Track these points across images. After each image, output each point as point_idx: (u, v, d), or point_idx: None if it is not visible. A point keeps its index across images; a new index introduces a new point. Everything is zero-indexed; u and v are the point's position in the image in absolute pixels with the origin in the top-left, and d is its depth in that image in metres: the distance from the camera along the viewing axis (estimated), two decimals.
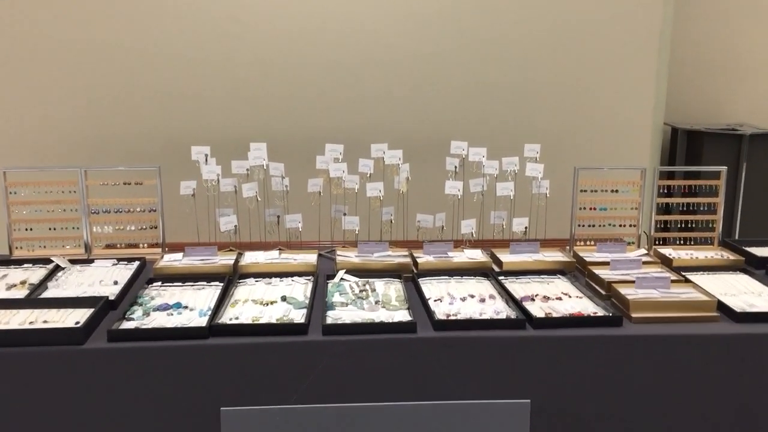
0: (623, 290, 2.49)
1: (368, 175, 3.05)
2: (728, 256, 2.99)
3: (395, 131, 4.16)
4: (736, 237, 4.85)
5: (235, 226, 2.98)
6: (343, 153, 3.08)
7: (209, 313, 2.34)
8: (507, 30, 4.26)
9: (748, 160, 4.99)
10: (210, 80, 4.14)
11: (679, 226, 3.15)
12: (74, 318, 2.31)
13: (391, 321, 2.31)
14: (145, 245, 3.07)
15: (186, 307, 2.43)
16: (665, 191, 3.13)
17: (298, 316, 2.35)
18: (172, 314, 2.37)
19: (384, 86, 4.20)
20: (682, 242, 3.16)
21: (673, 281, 2.57)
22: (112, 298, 2.47)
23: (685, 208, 3.16)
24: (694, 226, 3.13)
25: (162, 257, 2.87)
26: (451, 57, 4.25)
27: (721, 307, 2.43)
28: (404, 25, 4.18)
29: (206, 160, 2.99)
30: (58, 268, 2.80)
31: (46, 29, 4.04)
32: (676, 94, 5.18)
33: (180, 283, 2.65)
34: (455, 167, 3.10)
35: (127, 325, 2.27)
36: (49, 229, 2.98)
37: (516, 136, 4.00)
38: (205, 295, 2.53)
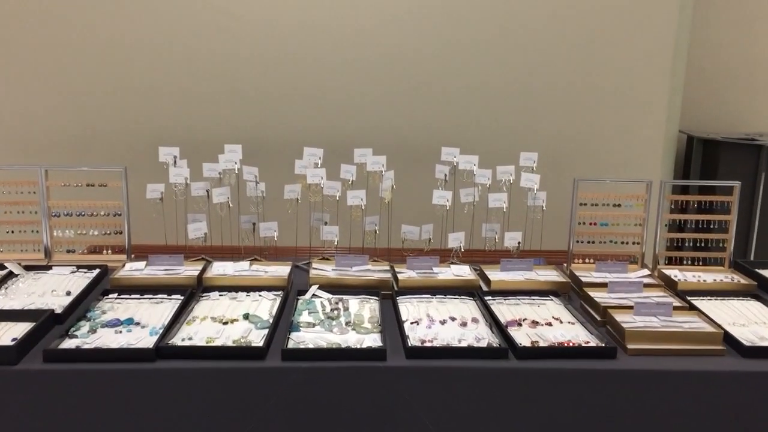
0: (620, 317, 2.26)
1: (350, 182, 2.83)
2: (739, 279, 2.74)
3: (381, 135, 3.92)
4: (752, 257, 4.58)
5: (205, 233, 2.77)
6: (323, 158, 2.86)
7: (162, 331, 2.13)
8: (507, 29, 4.01)
9: (767, 172, 4.72)
10: (184, 77, 3.90)
11: (688, 244, 2.90)
12: (13, 334, 2.11)
13: (359, 347, 2.09)
14: (109, 251, 2.87)
15: (138, 324, 2.22)
16: (681, 206, 2.90)
17: (258, 338, 2.13)
18: (120, 332, 2.16)
19: (370, 87, 3.96)
20: (690, 262, 2.91)
21: (676, 308, 2.33)
22: (59, 311, 2.27)
23: (695, 226, 2.90)
24: (703, 245, 2.88)
25: (124, 265, 2.67)
26: (444, 62, 3.99)
27: (728, 339, 2.19)
28: (392, 21, 3.93)
29: (175, 162, 2.79)
30: (11, 274, 2.60)
31: (23, 23, 3.85)
32: (692, 101, 4.91)
33: (138, 296, 2.44)
34: (445, 175, 2.87)
35: (68, 343, 2.07)
36: (7, 232, 2.79)
37: (515, 144, 3.76)
38: (162, 311, 2.33)
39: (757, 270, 2.80)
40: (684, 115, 4.60)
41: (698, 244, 2.88)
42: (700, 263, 2.91)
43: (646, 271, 2.76)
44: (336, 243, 2.80)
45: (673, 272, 2.76)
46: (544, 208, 2.84)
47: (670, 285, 2.64)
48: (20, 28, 3.82)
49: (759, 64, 5.19)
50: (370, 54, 3.92)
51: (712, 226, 2.87)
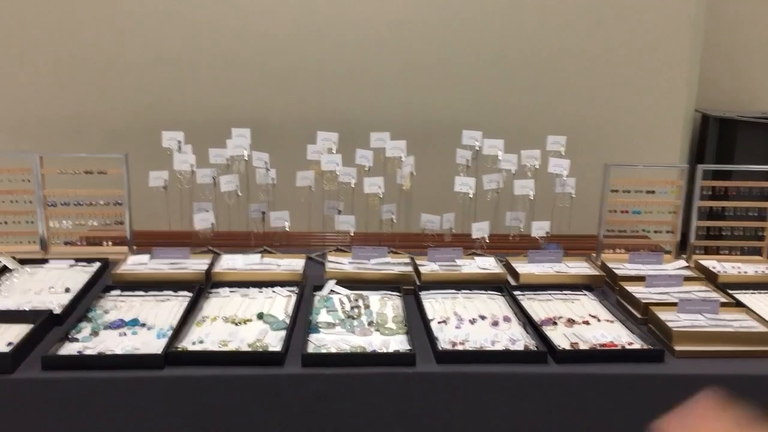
0: (663, 315, 2.10)
1: (366, 169, 2.65)
2: None
3: (398, 118, 3.72)
4: None
5: (212, 224, 2.60)
6: (338, 142, 2.68)
7: (170, 333, 1.96)
8: (528, 9, 3.82)
9: None
10: (185, 56, 3.69)
11: (725, 233, 2.73)
12: (8, 337, 1.94)
13: (385, 351, 1.92)
14: (110, 243, 2.69)
15: (144, 325, 2.05)
16: (708, 193, 2.73)
17: (275, 341, 1.96)
18: (125, 334, 1.99)
19: (387, 67, 3.76)
20: (727, 252, 2.74)
21: (722, 304, 2.17)
22: (58, 310, 2.10)
23: (732, 213, 2.74)
24: (740, 233, 2.71)
25: (126, 259, 2.49)
26: (464, 36, 3.80)
27: None
28: None
29: (180, 147, 2.60)
30: (5, 269, 2.42)
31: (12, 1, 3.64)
32: (707, 79, 4.73)
33: (142, 293, 2.27)
34: (467, 161, 2.69)
35: (68, 348, 1.90)
36: (0, 222, 2.60)
37: (534, 126, 3.58)
38: (169, 309, 2.15)
39: None
40: (699, 92, 4.42)
41: (734, 233, 2.72)
42: (738, 253, 2.75)
43: (682, 263, 2.60)
44: (352, 233, 2.63)
45: (711, 263, 2.60)
46: (573, 195, 2.67)
47: (709, 278, 2.48)
48: (10, 5, 3.60)
49: None
50: (384, 31, 3.72)
51: (751, 214, 2.71)
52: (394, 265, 2.49)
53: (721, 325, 2.05)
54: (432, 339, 1.98)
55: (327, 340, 1.98)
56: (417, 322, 2.13)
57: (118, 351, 1.88)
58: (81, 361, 1.83)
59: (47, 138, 3.69)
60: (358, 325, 2.06)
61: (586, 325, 2.13)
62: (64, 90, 3.72)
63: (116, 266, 2.43)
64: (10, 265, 2.44)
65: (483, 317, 2.15)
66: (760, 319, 2.10)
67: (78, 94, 3.72)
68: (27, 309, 2.12)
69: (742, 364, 1.93)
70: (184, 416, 1.82)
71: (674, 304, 2.15)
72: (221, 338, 1.96)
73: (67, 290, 2.29)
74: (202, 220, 2.58)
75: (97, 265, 2.50)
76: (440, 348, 1.92)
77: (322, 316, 2.13)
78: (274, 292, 2.31)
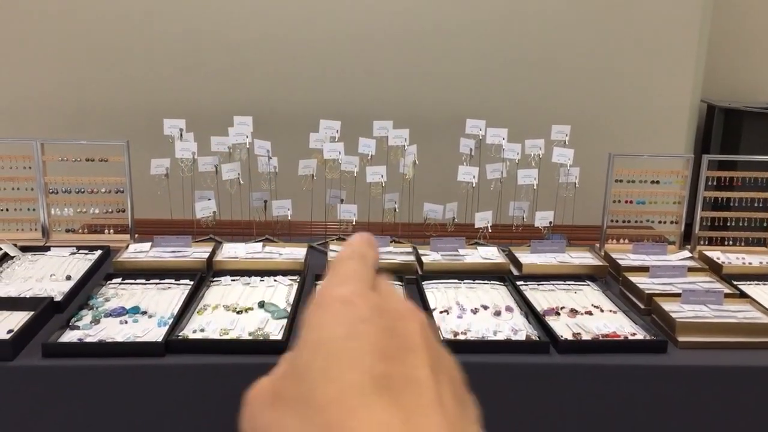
0: (666, 305, 2.08)
1: (369, 158, 2.63)
2: None
3: (402, 107, 3.71)
4: None
5: (214, 212, 2.59)
6: (340, 131, 2.66)
7: (171, 321, 1.96)
8: None
9: None
10: (187, 44, 3.68)
11: (730, 224, 2.72)
12: (9, 324, 1.93)
13: None
14: (111, 230, 2.68)
15: (145, 313, 2.04)
16: (713, 183, 2.71)
17: (276, 329, 1.96)
18: (126, 322, 1.98)
19: (390, 55, 3.74)
20: (731, 243, 2.73)
21: (726, 295, 2.15)
22: (59, 298, 2.09)
23: (737, 204, 2.72)
24: (745, 224, 2.70)
25: (128, 247, 2.48)
26: (468, 23, 3.77)
27: None
28: None
29: (181, 135, 2.59)
30: (6, 256, 2.42)
31: None
32: (713, 69, 4.69)
33: (143, 281, 2.26)
34: (470, 150, 2.68)
35: (69, 335, 1.89)
36: (1, 210, 2.60)
37: (538, 115, 3.56)
38: (170, 297, 2.15)
39: None
40: (704, 82, 4.38)
41: (739, 223, 2.70)
42: (742, 243, 2.73)
43: (686, 253, 2.58)
44: (354, 222, 2.62)
45: (716, 254, 2.58)
46: (577, 185, 2.65)
47: (714, 269, 2.46)
48: None
49: None
50: (387, 20, 3.70)
51: (756, 204, 2.69)
52: (397, 254, 2.48)
53: (725, 316, 2.04)
54: (434, 328, 1.97)
55: None
56: None
57: (119, 339, 1.88)
58: (81, 349, 1.82)
59: (48, 125, 3.68)
60: None
61: (589, 315, 2.12)
62: (66, 77, 3.71)
63: (117, 254, 2.42)
64: (11, 252, 2.43)
65: (485, 307, 2.14)
66: (764, 310, 2.09)
67: (79, 81, 3.71)
68: (28, 296, 2.12)
69: (745, 356, 1.92)
70: (185, 404, 1.82)
71: (678, 295, 2.14)
72: (222, 326, 1.96)
73: (69, 278, 2.28)
74: (204, 209, 2.57)
75: (98, 252, 2.49)
76: (442, 338, 1.92)
77: None
78: (275, 280, 2.30)
